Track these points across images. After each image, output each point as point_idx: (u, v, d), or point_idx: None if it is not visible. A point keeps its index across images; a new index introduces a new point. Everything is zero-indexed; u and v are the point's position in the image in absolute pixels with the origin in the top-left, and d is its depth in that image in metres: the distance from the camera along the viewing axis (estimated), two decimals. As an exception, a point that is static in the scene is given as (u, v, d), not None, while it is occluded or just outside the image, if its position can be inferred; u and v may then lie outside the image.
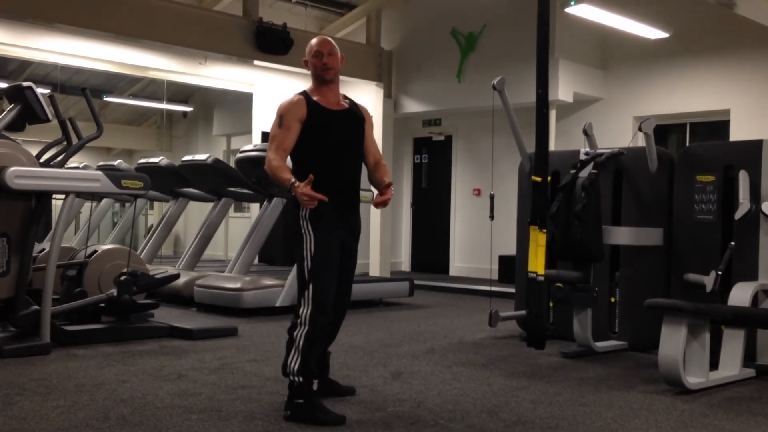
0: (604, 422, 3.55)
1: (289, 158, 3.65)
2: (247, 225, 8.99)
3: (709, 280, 4.76)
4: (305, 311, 3.47)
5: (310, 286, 3.48)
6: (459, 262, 11.51)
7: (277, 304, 6.87)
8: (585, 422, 3.54)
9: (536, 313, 4.71)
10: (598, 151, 5.53)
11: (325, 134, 3.67)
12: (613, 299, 5.68)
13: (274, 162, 3.54)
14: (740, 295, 4.54)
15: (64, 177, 5.11)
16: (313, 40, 3.77)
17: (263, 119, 11.08)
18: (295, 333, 3.49)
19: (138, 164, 8.38)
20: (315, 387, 3.50)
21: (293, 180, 3.41)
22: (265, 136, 10.82)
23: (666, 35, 8.78)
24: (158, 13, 8.52)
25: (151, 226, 10.72)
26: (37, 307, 4.97)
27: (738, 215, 4.78)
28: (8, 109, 5.38)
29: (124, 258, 6.07)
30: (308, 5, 11.14)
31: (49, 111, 5.40)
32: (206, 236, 8.38)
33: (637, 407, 3.85)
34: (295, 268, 3.57)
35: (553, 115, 9.32)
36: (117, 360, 4.77)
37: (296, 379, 3.45)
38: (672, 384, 4.19)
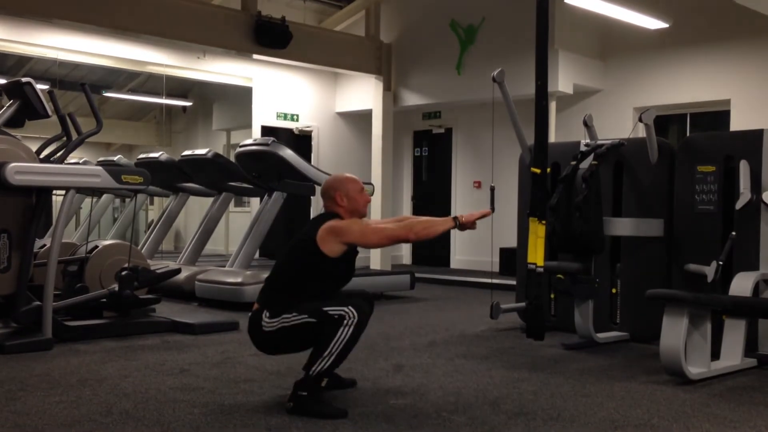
0: (606, 413, 3.56)
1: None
2: (248, 219, 8.97)
3: (710, 271, 4.76)
4: (348, 311, 3.39)
5: (324, 309, 3.42)
6: (460, 255, 11.52)
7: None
8: (587, 413, 3.55)
9: (536, 304, 4.71)
10: (599, 142, 5.53)
11: (351, 267, 3.72)
12: (614, 290, 5.69)
13: (408, 225, 3.59)
14: (741, 285, 4.54)
15: (65, 173, 5.11)
16: (345, 176, 3.77)
17: (263, 113, 11.07)
18: (342, 328, 3.38)
19: (138, 159, 8.38)
20: (324, 384, 3.50)
21: (455, 216, 3.60)
22: (264, 130, 10.82)
23: (666, 25, 8.76)
24: (157, 8, 8.50)
25: (152, 221, 10.72)
26: (38, 302, 4.97)
27: (739, 205, 4.78)
28: (7, 104, 5.38)
29: (125, 253, 6.07)
30: (307, -2, 11.15)
31: (49, 107, 5.40)
32: (207, 231, 8.38)
33: (639, 397, 3.86)
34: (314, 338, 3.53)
35: (553, 106, 9.32)
36: (119, 355, 4.78)
37: (315, 372, 3.41)
38: (673, 374, 4.19)
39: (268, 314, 3.50)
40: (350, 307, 3.41)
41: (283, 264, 3.69)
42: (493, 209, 5.58)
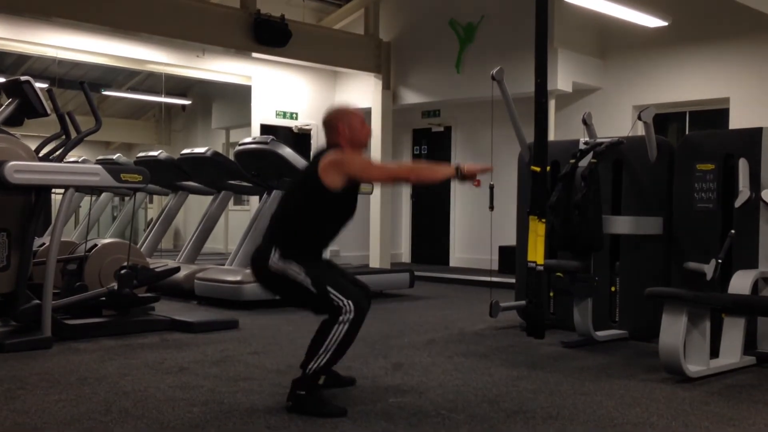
0: (605, 411, 3.56)
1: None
2: (247, 218, 8.98)
3: (709, 269, 4.76)
4: (346, 304, 3.38)
5: (329, 288, 3.42)
6: (459, 253, 11.52)
7: (278, 297, 6.86)
8: (586, 411, 3.55)
9: (535, 302, 4.71)
10: (598, 140, 5.53)
11: (353, 202, 3.67)
12: (613, 288, 5.69)
13: (410, 165, 3.57)
14: (740, 283, 4.54)
15: (64, 171, 5.11)
16: (347, 108, 3.76)
17: (262, 112, 11.06)
18: (337, 325, 3.37)
19: (137, 158, 8.37)
20: (321, 381, 3.50)
21: (456, 162, 3.51)
22: (264, 129, 10.81)
23: (665, 24, 8.75)
24: (156, 6, 8.49)
25: (151, 219, 10.72)
26: (37, 301, 4.97)
27: (738, 203, 4.78)
28: (6, 103, 5.38)
29: (124, 252, 6.07)
30: (306, -3, 11.14)
31: (48, 105, 5.40)
32: (206, 229, 8.38)
33: (638, 396, 3.86)
34: (304, 301, 3.55)
35: (552, 104, 9.31)
36: (118, 353, 4.78)
37: (312, 370, 3.41)
38: (672, 372, 4.20)
39: (278, 253, 3.46)
40: (350, 301, 3.40)
41: (287, 199, 3.68)
42: (492, 207, 5.60)
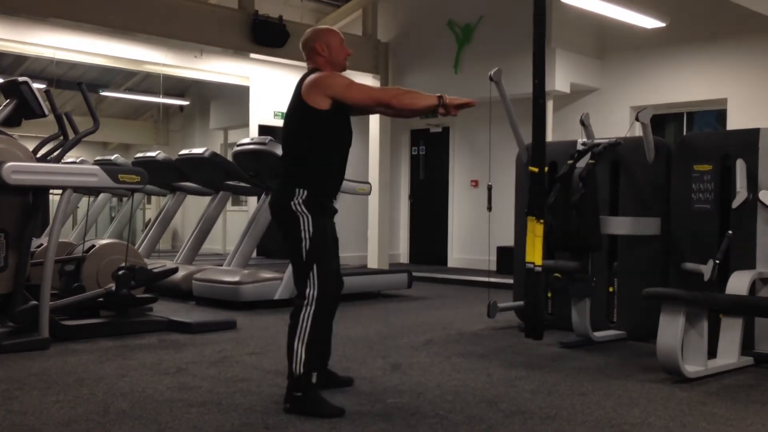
0: (603, 411, 3.56)
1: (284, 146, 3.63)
2: (245, 218, 8.98)
3: (706, 269, 4.77)
4: (312, 291, 3.42)
5: (315, 266, 3.44)
6: (457, 254, 11.52)
7: (276, 297, 6.88)
8: (584, 411, 3.55)
9: (533, 303, 4.71)
10: (595, 141, 5.53)
11: (347, 126, 3.66)
12: (611, 289, 5.69)
13: (394, 90, 3.54)
14: (738, 283, 4.55)
15: (61, 172, 5.10)
16: (326, 27, 3.74)
17: (260, 112, 11.07)
18: (301, 314, 3.41)
19: (135, 158, 8.37)
20: (314, 380, 3.50)
21: (440, 95, 3.49)
22: (262, 129, 10.81)
23: (663, 25, 8.77)
24: (153, 7, 8.49)
25: (149, 220, 10.71)
26: (35, 302, 4.96)
27: (735, 204, 4.78)
28: (4, 104, 5.37)
29: (122, 252, 6.07)
30: (304, -3, 11.15)
31: (45, 106, 5.39)
32: (204, 230, 8.38)
33: (636, 396, 3.86)
34: (293, 256, 3.53)
35: (550, 105, 9.34)
36: (116, 354, 4.78)
37: (298, 370, 3.42)
38: (670, 373, 4.20)
39: (301, 195, 3.47)
40: (317, 292, 3.41)
41: (285, 136, 3.66)
42: (490, 208, 5.60)
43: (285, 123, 3.68)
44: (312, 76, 3.54)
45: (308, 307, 3.43)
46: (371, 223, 10.79)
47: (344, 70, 3.72)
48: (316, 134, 3.54)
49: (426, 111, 3.61)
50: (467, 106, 3.55)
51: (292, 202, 3.49)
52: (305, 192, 3.49)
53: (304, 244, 3.47)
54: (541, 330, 4.82)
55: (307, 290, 3.45)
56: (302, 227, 3.48)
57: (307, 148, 3.55)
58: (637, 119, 5.08)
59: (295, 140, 3.59)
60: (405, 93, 3.57)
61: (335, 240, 3.78)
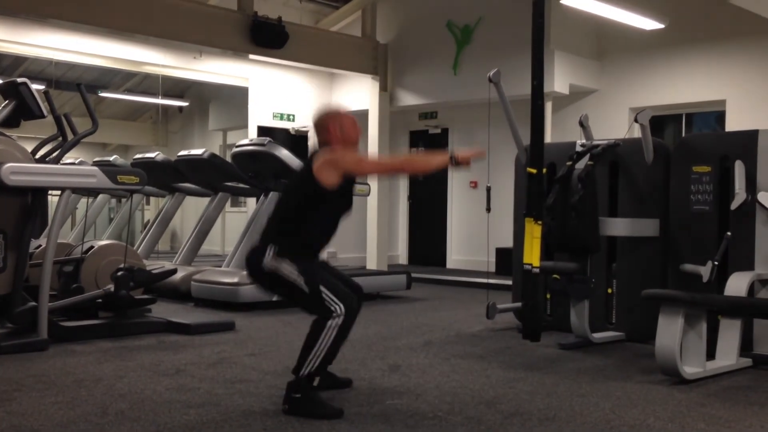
0: (602, 413, 3.56)
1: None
2: (244, 219, 8.97)
3: (705, 271, 4.77)
4: (337, 306, 3.40)
5: (321, 287, 3.43)
6: (456, 255, 11.52)
7: (275, 299, 6.79)
8: (583, 413, 3.55)
9: (532, 305, 4.71)
10: (594, 142, 5.53)
11: (349, 198, 3.71)
12: (609, 290, 5.69)
13: (404, 158, 3.60)
14: (737, 285, 4.55)
15: (60, 173, 5.10)
16: (341, 110, 3.81)
17: (259, 113, 11.07)
18: (326, 330, 3.38)
19: (134, 159, 8.36)
20: (316, 383, 3.50)
21: (450, 150, 3.49)
22: (261, 130, 10.81)
23: (662, 26, 8.77)
24: (153, 8, 8.49)
25: (148, 221, 10.71)
26: (34, 303, 4.96)
27: (734, 205, 4.79)
28: (3, 105, 5.37)
29: (120, 253, 6.07)
30: (303, -1, 11.15)
31: (44, 107, 5.39)
32: (203, 231, 8.38)
33: (635, 397, 3.86)
34: (296, 300, 3.57)
35: (548, 106, 9.33)
36: (115, 355, 4.77)
37: (305, 372, 3.41)
38: (669, 374, 4.20)
39: (273, 250, 3.49)
40: (341, 304, 3.41)
41: (284, 200, 3.70)
42: (489, 209, 5.60)
43: (288, 188, 3.70)
44: (325, 154, 3.57)
45: (337, 319, 3.39)
46: (370, 224, 10.79)
47: (356, 148, 3.76)
48: (317, 210, 3.57)
49: (438, 170, 3.68)
50: (478, 157, 3.68)
51: (264, 260, 3.50)
52: (276, 248, 3.50)
53: (297, 282, 3.45)
54: (539, 332, 4.83)
55: (333, 308, 3.39)
56: (284, 272, 3.47)
57: (303, 220, 3.56)
58: (636, 120, 5.08)
59: (291, 209, 3.60)
60: (416, 159, 3.66)
61: (326, 264, 3.78)
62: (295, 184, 3.71)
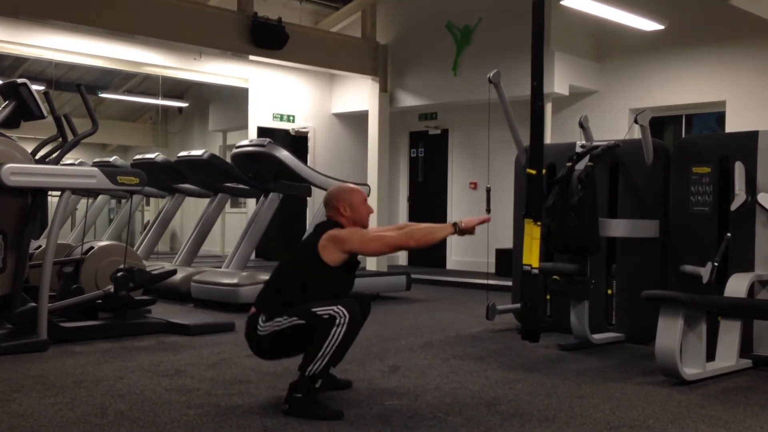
0: (602, 414, 3.56)
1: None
2: (244, 220, 8.98)
3: (705, 272, 4.77)
4: (338, 311, 3.39)
5: (313, 310, 3.41)
6: (456, 256, 11.52)
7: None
8: (582, 414, 3.55)
9: (531, 305, 4.71)
10: (594, 143, 5.53)
11: (350, 275, 3.75)
12: (609, 291, 5.69)
13: (408, 232, 3.65)
14: (736, 286, 4.55)
15: (60, 174, 5.10)
16: (349, 187, 3.82)
17: (259, 114, 11.07)
18: (335, 329, 3.38)
19: (134, 160, 8.37)
20: (318, 385, 3.49)
21: (455, 222, 3.67)
22: (261, 131, 10.81)
23: (661, 27, 8.77)
24: (152, 9, 8.49)
25: (148, 222, 10.71)
26: (33, 303, 4.96)
27: (734, 206, 4.79)
28: (3, 105, 5.37)
29: (120, 254, 6.07)
30: (303, -1, 11.15)
31: (44, 107, 5.39)
32: (203, 232, 8.38)
33: (635, 398, 3.86)
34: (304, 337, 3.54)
35: (548, 107, 9.33)
36: (114, 356, 4.77)
37: (311, 372, 3.40)
38: (669, 375, 4.20)
39: (263, 318, 3.52)
40: (340, 307, 3.41)
41: (283, 270, 3.70)
42: (489, 210, 5.59)
43: (289, 260, 3.70)
44: (331, 233, 3.58)
45: (342, 317, 3.39)
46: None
47: (365, 227, 3.77)
48: (317, 285, 3.56)
49: (443, 240, 3.76)
50: (483, 223, 3.74)
51: (258, 331, 3.51)
52: (267, 315, 3.50)
53: (291, 323, 3.44)
54: (538, 333, 4.83)
55: (335, 317, 3.39)
56: (277, 328, 3.46)
57: (302, 294, 3.54)
58: (635, 121, 5.09)
59: (293, 283, 3.59)
60: (420, 231, 3.69)
61: None
62: (299, 256, 3.70)
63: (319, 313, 3.41)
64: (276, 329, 3.48)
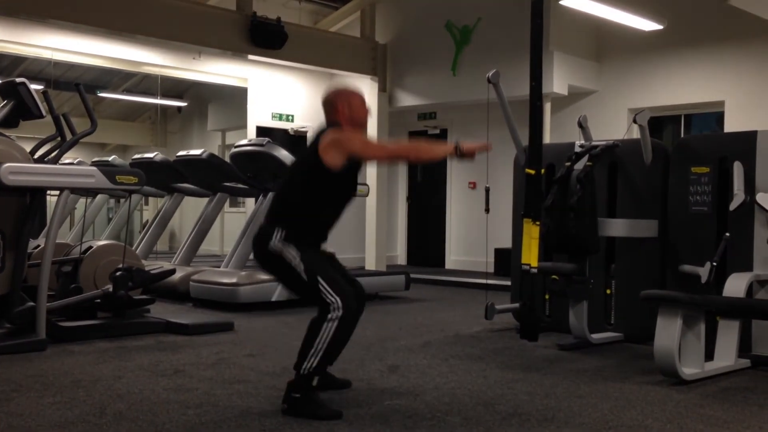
0: (600, 414, 3.56)
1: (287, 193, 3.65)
2: (243, 220, 8.98)
3: (704, 271, 4.77)
4: (335, 300, 3.38)
5: (319, 279, 3.42)
6: (455, 256, 11.52)
7: (273, 299, 6.87)
8: (581, 414, 3.55)
9: (529, 305, 4.71)
10: (593, 143, 5.53)
11: (353, 181, 3.69)
12: (608, 291, 5.70)
13: (409, 145, 3.57)
14: (735, 285, 4.55)
15: (59, 173, 5.10)
16: (350, 88, 3.77)
17: (258, 114, 11.06)
18: (326, 323, 3.37)
19: (133, 160, 8.36)
20: (314, 383, 3.49)
21: (456, 141, 3.51)
22: (260, 131, 10.80)
23: (660, 27, 8.77)
24: (152, 8, 8.48)
25: (147, 221, 10.70)
26: (32, 303, 4.96)
27: (733, 206, 4.79)
28: (2, 105, 5.36)
29: (119, 254, 6.06)
30: (302, -1, 11.15)
31: (43, 107, 5.39)
32: (202, 231, 8.37)
33: (633, 398, 3.86)
34: (294, 286, 3.57)
35: (547, 107, 9.33)
36: (113, 356, 4.77)
37: (306, 370, 3.40)
38: (667, 375, 4.20)
39: (279, 235, 3.48)
40: (338, 298, 3.39)
41: (288, 179, 3.69)
42: (488, 210, 5.60)
43: (291, 169, 3.68)
44: (331, 134, 3.54)
45: (336, 312, 3.37)
46: (369, 225, 10.79)
47: (364, 128, 3.73)
48: (321, 190, 3.55)
49: (442, 159, 3.66)
50: (483, 150, 3.62)
51: (270, 242, 3.49)
52: (284, 232, 3.49)
53: (297, 267, 3.45)
54: (536, 332, 4.83)
55: (330, 300, 3.38)
56: (287, 256, 3.46)
57: (304, 198, 3.56)
58: (634, 121, 5.09)
59: (296, 188, 3.60)
60: (421, 146, 3.64)
61: (331, 255, 3.77)
62: (300, 164, 3.69)
63: (321, 286, 3.39)
64: (284, 256, 3.45)
